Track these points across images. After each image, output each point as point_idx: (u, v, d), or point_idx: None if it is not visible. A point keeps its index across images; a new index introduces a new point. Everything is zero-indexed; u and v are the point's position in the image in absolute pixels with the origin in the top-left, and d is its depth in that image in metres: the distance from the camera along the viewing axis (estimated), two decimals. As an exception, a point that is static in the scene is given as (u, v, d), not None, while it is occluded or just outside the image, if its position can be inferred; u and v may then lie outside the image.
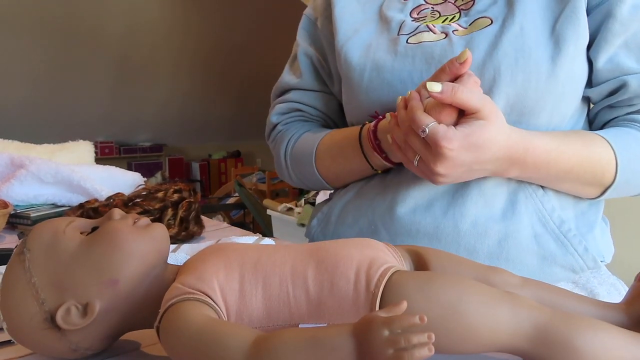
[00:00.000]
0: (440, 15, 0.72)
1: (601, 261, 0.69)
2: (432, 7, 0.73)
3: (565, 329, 0.37)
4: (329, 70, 0.82)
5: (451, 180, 0.59)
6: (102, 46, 4.66)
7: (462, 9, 0.71)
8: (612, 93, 0.67)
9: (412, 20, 0.72)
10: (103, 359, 0.46)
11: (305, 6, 0.88)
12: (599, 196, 0.67)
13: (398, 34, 0.71)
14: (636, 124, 0.68)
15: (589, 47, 0.66)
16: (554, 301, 0.45)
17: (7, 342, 0.49)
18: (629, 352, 0.37)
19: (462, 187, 0.66)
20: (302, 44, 0.85)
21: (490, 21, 0.66)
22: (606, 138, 0.64)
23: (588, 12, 0.65)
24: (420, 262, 0.46)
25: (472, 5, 0.70)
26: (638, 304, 0.45)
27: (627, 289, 0.68)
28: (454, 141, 0.54)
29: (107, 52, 4.76)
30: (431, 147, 0.55)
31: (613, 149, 0.64)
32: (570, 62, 0.63)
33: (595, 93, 0.68)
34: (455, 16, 0.70)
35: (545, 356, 0.37)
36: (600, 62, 0.65)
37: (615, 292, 0.66)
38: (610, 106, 0.69)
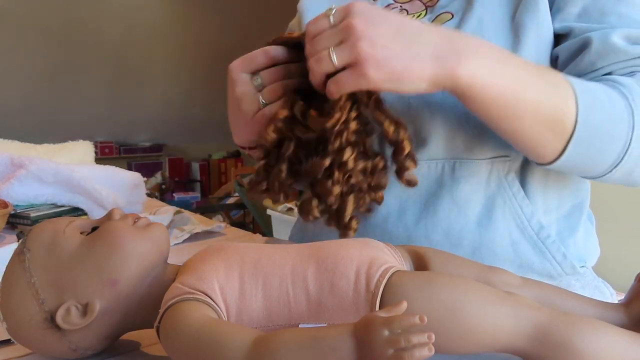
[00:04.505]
0: (407, 14, 0.71)
1: (582, 266, 0.66)
2: (400, 6, 0.73)
3: (566, 329, 0.37)
4: None
5: (379, 49, 0.46)
6: (101, 46, 4.66)
7: (428, 6, 0.70)
8: (575, 55, 0.60)
9: None
10: (103, 359, 0.46)
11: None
12: (561, 153, 0.54)
13: None
14: (604, 80, 0.58)
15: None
16: (554, 301, 0.45)
17: (7, 342, 0.49)
18: (629, 353, 0.37)
19: (433, 195, 0.63)
20: None
21: (451, 16, 0.65)
22: (566, 78, 0.54)
23: None
24: (420, 262, 0.46)
25: (437, 2, 0.69)
26: (638, 304, 0.45)
27: (612, 292, 0.68)
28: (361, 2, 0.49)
29: (107, 52, 4.76)
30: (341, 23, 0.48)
31: (572, 87, 0.53)
32: (534, 51, 0.61)
33: (562, 58, 0.61)
34: (421, 14, 0.70)
35: (546, 356, 0.37)
36: (557, 29, 0.61)
37: (600, 295, 0.65)
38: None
